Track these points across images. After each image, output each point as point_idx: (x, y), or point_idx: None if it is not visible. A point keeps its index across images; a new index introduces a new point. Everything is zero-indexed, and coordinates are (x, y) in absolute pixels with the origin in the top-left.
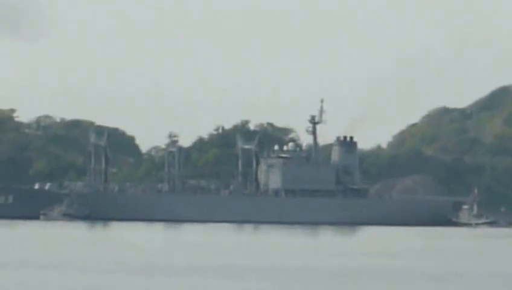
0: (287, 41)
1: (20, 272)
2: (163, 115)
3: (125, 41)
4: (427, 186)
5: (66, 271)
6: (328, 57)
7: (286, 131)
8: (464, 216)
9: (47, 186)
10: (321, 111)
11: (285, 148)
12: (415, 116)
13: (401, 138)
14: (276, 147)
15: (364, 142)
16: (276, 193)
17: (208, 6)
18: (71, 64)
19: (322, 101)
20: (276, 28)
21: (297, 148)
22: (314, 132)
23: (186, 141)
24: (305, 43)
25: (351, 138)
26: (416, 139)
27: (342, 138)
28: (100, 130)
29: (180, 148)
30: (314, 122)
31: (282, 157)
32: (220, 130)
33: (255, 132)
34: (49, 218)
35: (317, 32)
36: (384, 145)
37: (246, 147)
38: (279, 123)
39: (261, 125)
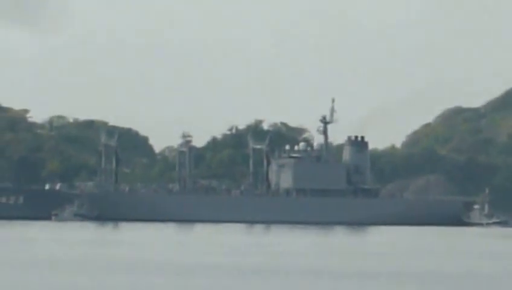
0: (301, 41)
1: (35, 272)
2: (176, 115)
3: (139, 40)
4: (441, 186)
5: (77, 271)
6: (341, 58)
7: (300, 131)
8: (475, 216)
9: (57, 186)
10: (332, 111)
11: (296, 148)
12: (429, 116)
13: (415, 138)
14: (287, 147)
15: (379, 142)
16: (287, 192)
17: (223, 5)
18: (84, 64)
19: (333, 100)
20: (291, 28)
21: (309, 148)
22: (325, 132)
23: (199, 141)
24: (319, 43)
25: (362, 137)
26: (430, 139)
27: (353, 138)
28: (111, 130)
29: (191, 148)
30: (325, 121)
31: (293, 157)
32: (234, 130)
33: (268, 132)
34: (60, 218)
35: (332, 32)
36: (398, 145)
37: (257, 147)
38: (293, 123)
39: (275, 125)
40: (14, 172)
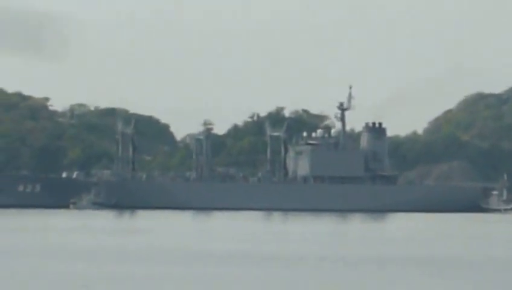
0: (322, 26)
1: (55, 260)
2: (198, 102)
3: (160, 28)
4: (463, 172)
5: (96, 259)
6: (362, 44)
7: (321, 118)
8: (493, 202)
9: (74, 175)
10: (349, 97)
11: (313, 135)
12: (450, 102)
13: (437, 124)
14: (304, 134)
15: (400, 129)
16: (305, 179)
17: None
18: (105, 52)
19: (350, 87)
20: (308, 16)
21: (326, 135)
22: (342, 119)
23: (221, 128)
24: (340, 27)
25: (380, 124)
26: (452, 125)
27: (370, 124)
28: (128, 117)
29: (208, 136)
30: (342, 108)
31: (310, 144)
32: (255, 118)
33: (289, 119)
34: (78, 207)
35: (350, 17)
36: (420, 132)
37: (275, 134)
38: (315, 110)
39: (296, 112)
40: (35, 160)
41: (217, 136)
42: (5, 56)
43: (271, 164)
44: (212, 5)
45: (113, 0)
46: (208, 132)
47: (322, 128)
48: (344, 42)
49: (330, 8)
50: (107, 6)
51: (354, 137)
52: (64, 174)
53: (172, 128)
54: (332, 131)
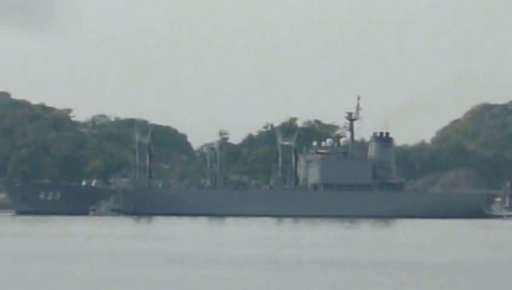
0: (333, 39)
1: (77, 265)
2: (214, 113)
3: (175, 41)
4: (469, 180)
5: (116, 263)
6: (373, 54)
7: (332, 128)
8: (496, 208)
9: (93, 183)
10: (358, 108)
11: (323, 144)
12: (458, 112)
13: (444, 134)
14: (314, 143)
15: (409, 138)
16: (315, 187)
17: (251, 5)
18: (125, 65)
19: (358, 98)
20: (321, 27)
21: (335, 144)
22: (351, 128)
23: (236, 138)
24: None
25: (387, 134)
26: (459, 134)
27: (378, 134)
28: (145, 128)
29: (221, 145)
30: (351, 118)
31: (320, 153)
32: (269, 128)
33: (302, 129)
34: (98, 213)
35: (362, 30)
36: (428, 141)
37: (286, 143)
38: (327, 120)
39: (309, 122)
40: (58, 169)
41: (232, 145)
42: (30, 70)
43: (282, 172)
44: (227, 18)
45: (131, 14)
46: (222, 142)
47: (332, 138)
48: (353, 52)
49: (339, 20)
50: (126, 20)
51: (364, 146)
52: (83, 183)
53: (189, 138)
54: (341, 140)
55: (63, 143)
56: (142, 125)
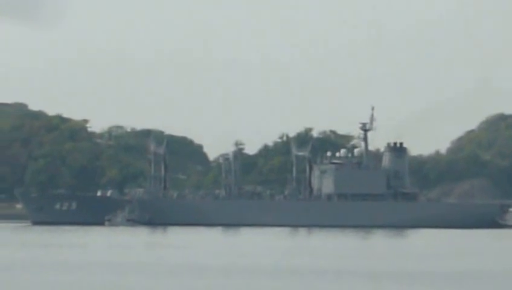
0: (347, 48)
1: (95, 274)
2: (230, 124)
3: (192, 50)
4: (485, 190)
5: (132, 273)
6: (383, 67)
7: (347, 138)
8: (510, 218)
9: (109, 193)
10: (372, 118)
11: (337, 154)
12: (473, 122)
13: (459, 144)
14: (328, 154)
15: (424, 149)
16: (329, 197)
17: (265, 16)
18: (141, 76)
19: (372, 108)
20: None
21: (349, 155)
22: (365, 139)
23: (252, 148)
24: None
25: (401, 144)
26: (474, 144)
27: (392, 144)
28: (161, 138)
29: (236, 156)
30: (365, 129)
31: (334, 163)
32: (284, 138)
33: (317, 140)
34: (113, 223)
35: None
36: (443, 151)
37: (300, 154)
38: (342, 130)
39: (324, 132)
40: (74, 180)
41: (248, 156)
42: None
43: (297, 182)
44: (243, 29)
45: (148, 27)
46: (237, 152)
47: (347, 148)
48: (367, 62)
49: (354, 30)
50: (141, 32)
51: (379, 156)
52: (99, 193)
53: (205, 149)
54: (355, 151)
55: (79, 154)
56: (158, 136)
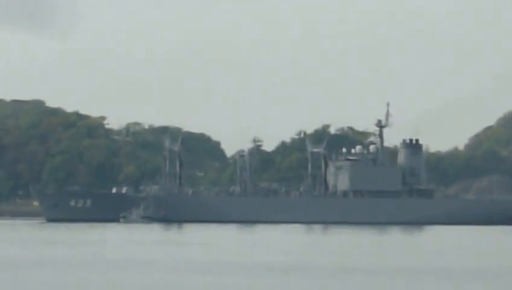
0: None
1: (109, 271)
2: (248, 120)
3: (209, 47)
4: (502, 186)
5: (147, 270)
6: (399, 64)
7: (366, 135)
8: None
9: (124, 190)
10: (387, 115)
11: (353, 151)
12: (491, 119)
13: (477, 140)
14: (344, 150)
15: (442, 145)
16: (344, 194)
17: (287, 17)
18: (158, 74)
19: (388, 105)
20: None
21: (365, 151)
22: (381, 135)
23: (270, 145)
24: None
25: (417, 140)
26: (492, 141)
27: (407, 141)
28: (178, 135)
29: (251, 152)
30: (380, 125)
31: (350, 159)
32: (302, 135)
33: (335, 136)
34: (128, 221)
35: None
36: (461, 148)
37: (315, 150)
38: (360, 127)
39: (342, 129)
40: (92, 176)
41: (265, 152)
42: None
43: (312, 179)
44: (260, 26)
45: (165, 24)
46: (253, 149)
47: (363, 144)
48: (383, 58)
49: (370, 26)
50: (159, 30)
51: (395, 153)
52: (114, 190)
53: (223, 146)
54: (371, 147)
55: (96, 150)
56: (176, 133)
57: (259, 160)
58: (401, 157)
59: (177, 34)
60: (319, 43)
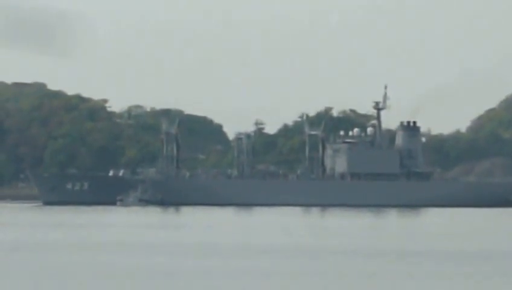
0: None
1: (109, 254)
2: (250, 103)
3: (212, 29)
4: (505, 168)
5: (144, 253)
6: (401, 45)
7: (368, 117)
8: None
9: (121, 173)
10: (385, 97)
11: (350, 133)
12: (493, 101)
13: (479, 123)
14: (341, 133)
15: (445, 128)
16: (342, 176)
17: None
18: (160, 56)
19: (385, 87)
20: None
21: (363, 134)
22: (378, 118)
23: (272, 128)
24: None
25: (414, 122)
26: (494, 123)
27: (405, 123)
28: (179, 117)
29: (249, 135)
30: (378, 108)
31: (347, 142)
32: (304, 117)
33: (337, 119)
34: (125, 204)
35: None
36: (463, 130)
37: (313, 133)
38: (362, 110)
39: (344, 112)
40: (94, 159)
41: (267, 135)
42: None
43: (310, 161)
44: (262, 7)
45: (165, 7)
46: (253, 131)
47: (360, 127)
48: (380, 39)
49: (367, 5)
50: (159, 12)
51: (393, 135)
52: (111, 173)
53: (225, 128)
54: (368, 130)
55: (98, 133)
56: (176, 115)
57: (262, 143)
58: (399, 140)
59: (178, 16)
60: (320, 25)
